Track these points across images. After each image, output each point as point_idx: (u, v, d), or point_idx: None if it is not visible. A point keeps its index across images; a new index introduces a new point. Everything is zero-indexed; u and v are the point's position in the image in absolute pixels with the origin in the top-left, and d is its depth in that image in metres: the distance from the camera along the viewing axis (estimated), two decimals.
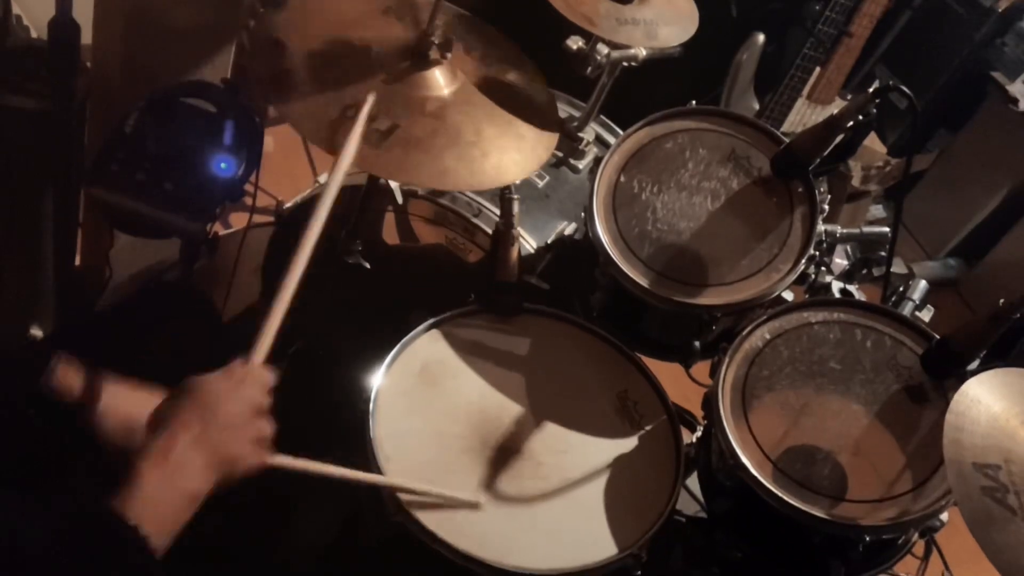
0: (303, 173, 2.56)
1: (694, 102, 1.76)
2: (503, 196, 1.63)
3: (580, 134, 2.03)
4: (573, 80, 1.90)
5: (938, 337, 1.50)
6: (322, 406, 1.64)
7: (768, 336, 1.55)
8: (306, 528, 1.79)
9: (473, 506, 1.41)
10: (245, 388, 1.08)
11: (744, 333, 1.55)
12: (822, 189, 1.67)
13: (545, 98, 1.72)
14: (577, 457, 1.52)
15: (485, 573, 1.35)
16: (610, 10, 1.76)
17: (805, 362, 1.52)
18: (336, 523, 1.75)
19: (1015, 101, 3.17)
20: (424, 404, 1.52)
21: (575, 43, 1.83)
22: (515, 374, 1.59)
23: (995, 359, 1.46)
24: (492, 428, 1.51)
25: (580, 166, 2.05)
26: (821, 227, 1.63)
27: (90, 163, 1.82)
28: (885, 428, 1.45)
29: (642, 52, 1.85)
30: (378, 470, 1.40)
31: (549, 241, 1.87)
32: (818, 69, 2.91)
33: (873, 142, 3.19)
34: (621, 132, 1.73)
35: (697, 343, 1.64)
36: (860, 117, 1.58)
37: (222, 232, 2.32)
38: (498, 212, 1.70)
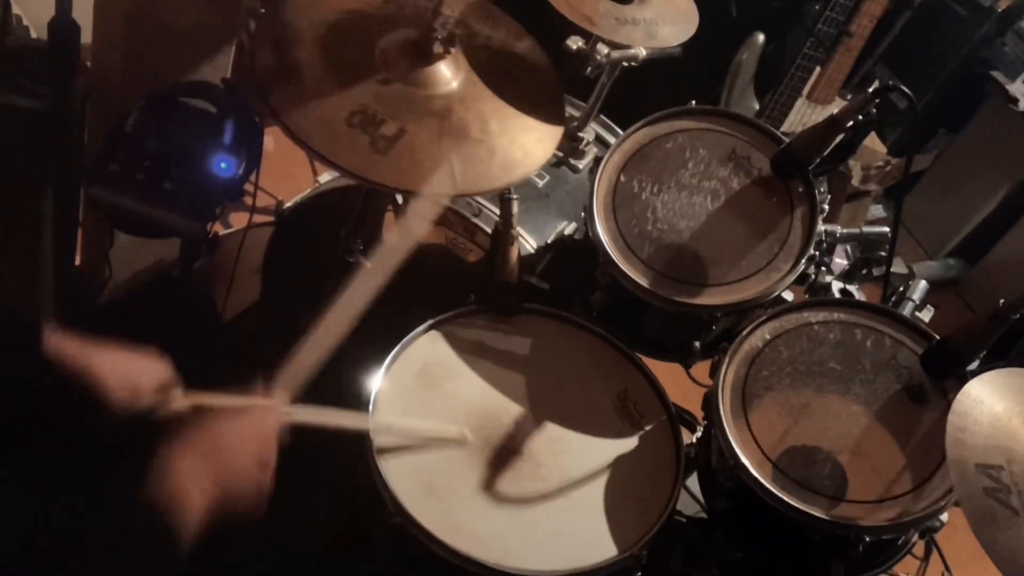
0: (303, 173, 2.56)
1: (694, 102, 1.76)
2: (503, 196, 1.63)
3: (580, 134, 2.03)
4: (573, 80, 1.90)
5: (938, 337, 1.50)
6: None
7: (768, 336, 1.55)
8: (306, 528, 1.78)
9: (460, 441, 1.43)
10: (255, 423, 1.10)
11: (744, 333, 1.55)
12: (822, 189, 1.67)
13: (551, 78, 1.70)
14: (577, 457, 1.52)
15: (485, 574, 1.35)
16: (610, 10, 1.76)
17: (805, 362, 1.52)
18: (336, 523, 1.75)
19: (1015, 101, 3.18)
20: (424, 404, 1.52)
21: (575, 43, 1.83)
22: (515, 374, 1.59)
23: (995, 359, 1.46)
24: (492, 429, 1.51)
25: (580, 166, 2.04)
26: (821, 227, 1.63)
27: (90, 163, 1.81)
28: (885, 428, 1.45)
29: (642, 52, 1.85)
30: (378, 470, 1.40)
31: (549, 241, 1.87)
32: (818, 69, 2.91)
33: (873, 142, 3.20)
34: (621, 132, 1.73)
35: (697, 343, 1.64)
36: (860, 117, 1.58)
37: (222, 232, 2.32)
38: (498, 212, 1.70)
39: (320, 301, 1.39)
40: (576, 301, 1.74)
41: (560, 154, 2.03)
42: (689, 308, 1.57)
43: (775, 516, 1.39)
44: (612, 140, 1.81)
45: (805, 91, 2.94)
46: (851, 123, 1.58)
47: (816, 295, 1.67)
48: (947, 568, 1.62)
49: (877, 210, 3.53)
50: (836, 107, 2.46)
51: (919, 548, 1.53)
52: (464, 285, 1.70)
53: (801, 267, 1.59)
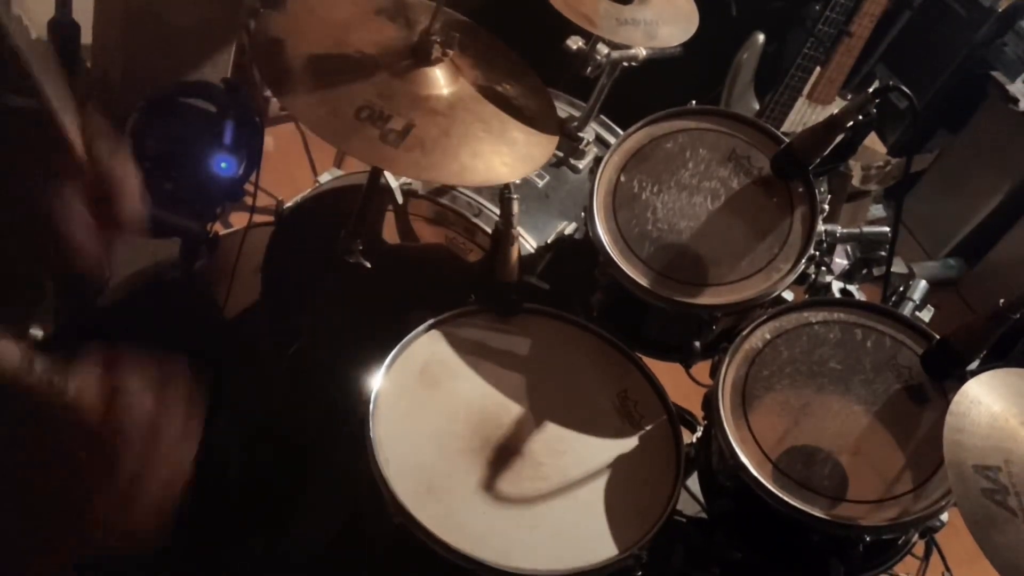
0: (303, 173, 2.56)
1: (694, 102, 1.76)
2: (503, 196, 1.63)
3: (580, 134, 2.03)
4: (573, 80, 1.90)
5: (938, 337, 1.50)
6: (322, 406, 1.64)
7: (768, 336, 1.55)
8: (307, 528, 1.79)
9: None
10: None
11: (744, 333, 1.55)
12: (822, 189, 1.67)
13: (544, 103, 1.70)
14: (577, 457, 1.52)
15: (485, 574, 1.35)
16: (610, 10, 1.76)
17: (805, 362, 1.52)
18: (336, 523, 1.75)
19: (1015, 101, 3.18)
20: (424, 404, 1.52)
21: (575, 43, 1.83)
22: (515, 374, 1.59)
23: (995, 359, 1.46)
24: (492, 428, 1.51)
25: (580, 166, 2.04)
26: (821, 227, 1.63)
27: None
28: (885, 428, 1.45)
29: (642, 52, 1.85)
30: (378, 470, 1.40)
31: (549, 241, 1.87)
32: (818, 69, 2.92)
33: (873, 142, 3.20)
34: (621, 132, 1.73)
35: (697, 343, 1.64)
36: (860, 117, 1.58)
37: (222, 232, 2.32)
38: (498, 212, 1.70)
39: (320, 301, 1.39)
40: (576, 301, 1.74)
41: (560, 154, 2.03)
42: (689, 308, 1.57)
43: (775, 516, 1.39)
44: (612, 140, 1.81)
45: (805, 91, 2.94)
46: (851, 123, 1.58)
47: (816, 295, 1.67)
48: (947, 568, 1.62)
49: (877, 210, 3.53)
50: (836, 107, 2.47)
51: (919, 548, 1.53)
52: (464, 285, 1.70)
53: (801, 267, 1.59)
